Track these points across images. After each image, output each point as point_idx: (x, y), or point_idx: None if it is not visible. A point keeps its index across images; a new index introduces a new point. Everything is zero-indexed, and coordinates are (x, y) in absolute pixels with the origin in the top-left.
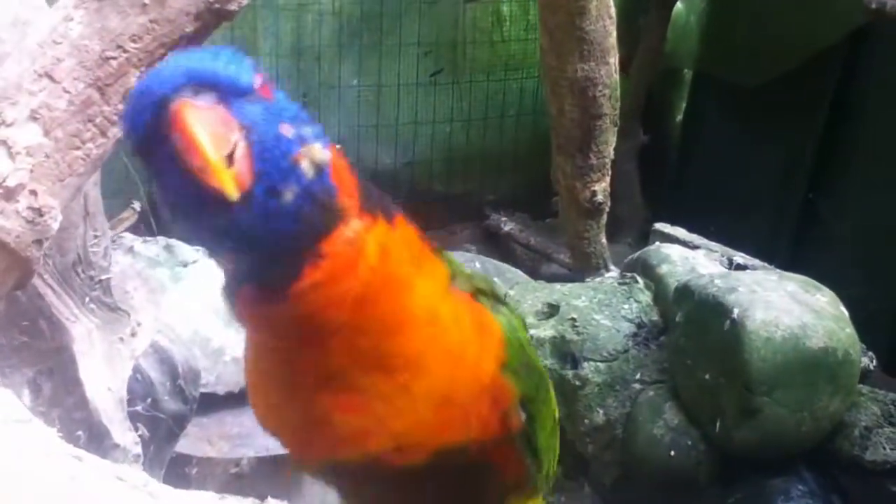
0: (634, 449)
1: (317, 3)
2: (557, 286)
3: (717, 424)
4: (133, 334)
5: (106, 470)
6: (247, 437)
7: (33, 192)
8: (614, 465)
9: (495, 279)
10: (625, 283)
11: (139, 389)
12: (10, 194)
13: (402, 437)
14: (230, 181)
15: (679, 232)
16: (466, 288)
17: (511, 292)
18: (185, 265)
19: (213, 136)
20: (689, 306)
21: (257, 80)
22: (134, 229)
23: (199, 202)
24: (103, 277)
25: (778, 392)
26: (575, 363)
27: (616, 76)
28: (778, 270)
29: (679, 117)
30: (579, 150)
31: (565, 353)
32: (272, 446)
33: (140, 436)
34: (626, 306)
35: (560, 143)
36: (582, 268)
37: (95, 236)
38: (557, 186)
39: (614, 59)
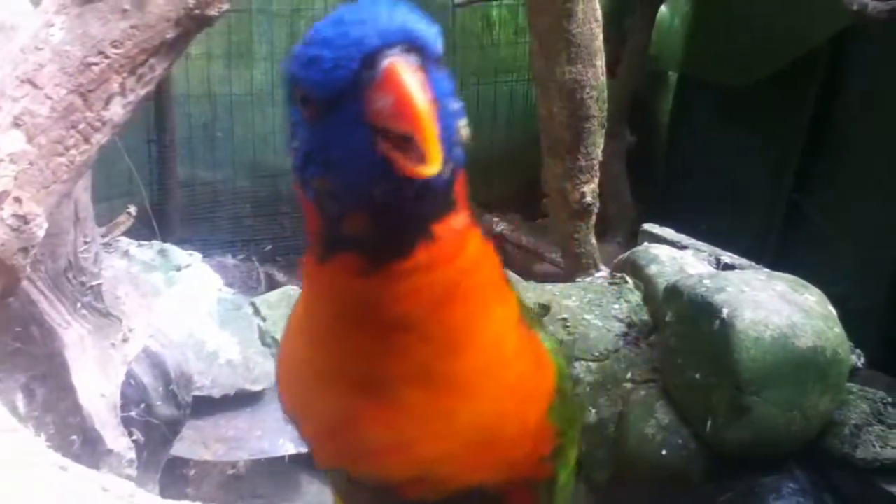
0: (626, 448)
1: (311, 8)
2: (548, 286)
3: (709, 423)
4: (125, 340)
5: (91, 480)
6: (242, 439)
7: (17, 200)
8: (607, 464)
9: None
10: (615, 283)
11: (132, 395)
12: None
13: (428, 467)
14: (439, 154)
15: (667, 232)
16: (528, 322)
17: None
18: (179, 269)
19: (427, 102)
20: (679, 306)
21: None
22: (136, 233)
23: (374, 169)
24: (94, 283)
25: (768, 391)
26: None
27: (603, 78)
28: (766, 270)
29: (666, 119)
30: (568, 152)
31: None
32: (268, 449)
33: (134, 441)
34: (616, 306)
35: (549, 145)
36: (572, 268)
37: (86, 242)
38: (547, 188)
39: (601, 62)
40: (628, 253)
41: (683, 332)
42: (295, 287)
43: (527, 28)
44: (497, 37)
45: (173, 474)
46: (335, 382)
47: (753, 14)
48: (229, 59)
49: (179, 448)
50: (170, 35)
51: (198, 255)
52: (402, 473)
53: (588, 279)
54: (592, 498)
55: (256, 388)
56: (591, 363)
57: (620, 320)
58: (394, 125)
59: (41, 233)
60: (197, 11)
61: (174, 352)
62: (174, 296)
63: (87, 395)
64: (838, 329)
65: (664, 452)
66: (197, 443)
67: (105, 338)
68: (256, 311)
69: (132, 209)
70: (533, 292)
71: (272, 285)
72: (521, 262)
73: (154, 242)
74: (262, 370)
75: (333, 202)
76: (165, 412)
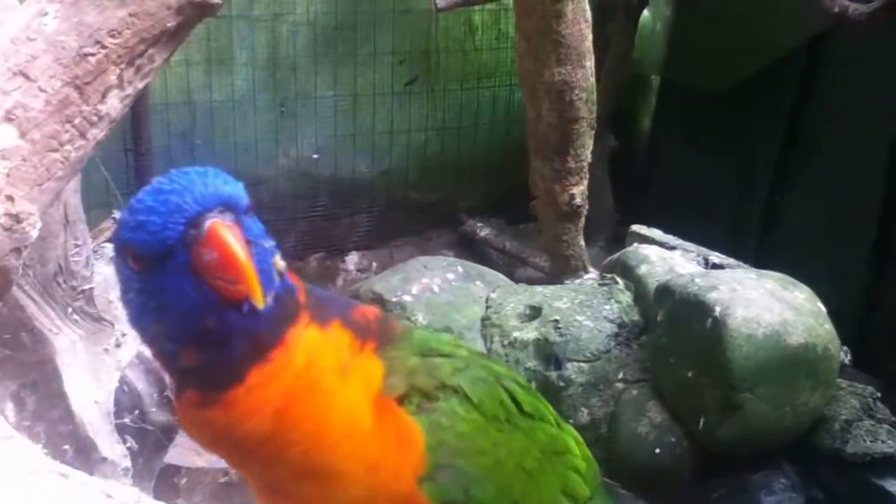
0: (619, 447)
1: (291, 13)
2: (539, 289)
3: (701, 421)
4: (118, 345)
5: (94, 487)
6: None
7: (10, 198)
8: (600, 464)
9: (477, 282)
10: (605, 284)
11: (126, 401)
12: None
13: None
14: (261, 293)
15: (655, 233)
16: (401, 388)
17: (493, 295)
18: None
19: (246, 254)
20: (671, 305)
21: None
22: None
23: (203, 307)
24: (86, 287)
25: (760, 388)
26: (558, 364)
27: (592, 80)
28: (755, 269)
29: (647, 122)
30: (557, 154)
31: (549, 354)
32: None
33: (128, 448)
34: (607, 307)
35: (538, 147)
36: (560, 270)
37: (76, 245)
38: (535, 190)
39: (590, 63)
40: (618, 254)
41: (675, 331)
42: None
43: (508, 33)
44: (479, 41)
45: (165, 483)
46: (253, 488)
47: (732, 19)
48: (209, 65)
49: (172, 455)
50: (170, 24)
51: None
52: None
53: (578, 281)
54: None
55: None
56: (582, 364)
57: (611, 321)
58: (221, 275)
59: (35, 232)
60: None
61: None
62: None
63: (80, 403)
64: (828, 326)
65: (657, 451)
66: (190, 450)
67: (97, 343)
68: None
69: (117, 214)
70: (523, 294)
71: None
72: (504, 267)
73: None
74: None
75: (168, 341)
76: (160, 418)
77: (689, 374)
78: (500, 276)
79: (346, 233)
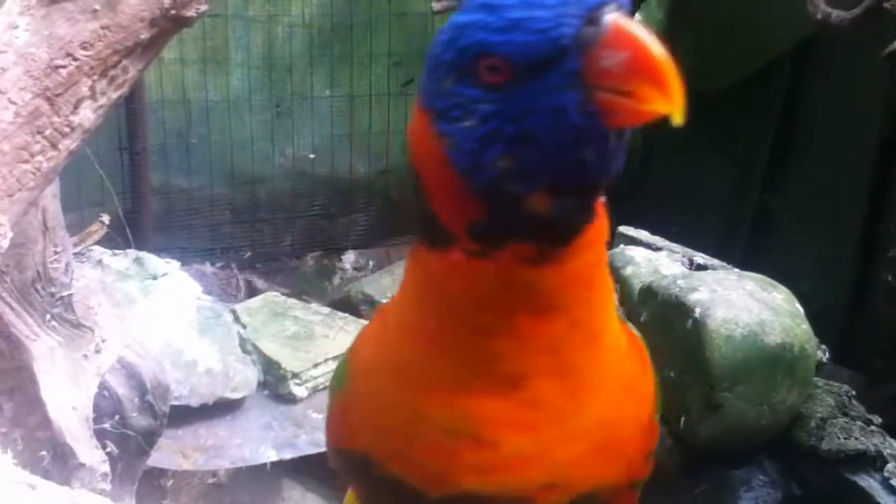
0: None
1: (287, 14)
2: None
3: (682, 420)
4: (98, 351)
5: (62, 497)
6: (222, 448)
7: None
8: None
9: None
10: None
11: (106, 406)
12: None
13: (562, 471)
14: (682, 100)
15: (642, 234)
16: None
17: None
18: (156, 278)
19: (667, 54)
20: (654, 306)
21: None
22: (110, 243)
23: (586, 132)
24: (65, 294)
25: (739, 387)
26: None
27: None
28: (737, 270)
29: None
30: None
31: None
32: (249, 457)
33: (108, 453)
34: None
35: None
36: None
37: (56, 252)
38: None
39: None
40: None
41: (658, 332)
42: (277, 294)
43: None
44: None
45: (150, 485)
46: (462, 389)
47: (723, 23)
48: (204, 64)
49: (157, 458)
50: (144, 36)
51: (175, 263)
52: (538, 481)
53: None
54: None
55: (236, 395)
56: None
57: None
58: (629, 80)
59: (5, 243)
60: (173, 12)
61: (150, 362)
62: (151, 305)
63: (58, 409)
64: (805, 326)
65: None
66: (175, 452)
67: (77, 349)
68: (237, 319)
69: (105, 217)
70: None
71: (252, 292)
72: None
73: (129, 251)
74: (241, 378)
75: (520, 181)
76: (141, 423)
77: (672, 373)
78: None
79: (344, 232)
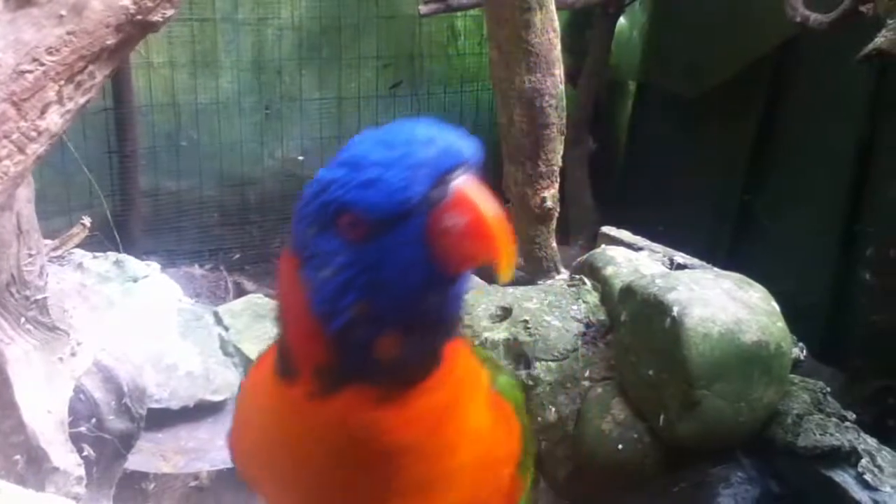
0: (584, 444)
1: (277, 17)
2: (510, 290)
3: (661, 418)
4: (73, 354)
5: (28, 500)
6: (202, 450)
7: None
8: (567, 460)
9: None
10: (574, 285)
11: (82, 410)
12: None
13: None
14: (511, 262)
15: (624, 234)
16: (489, 377)
17: (465, 296)
18: (136, 280)
19: (501, 217)
20: (633, 305)
21: None
22: (98, 246)
23: (429, 282)
24: (39, 297)
25: (717, 385)
26: (528, 363)
27: (561, 87)
28: (715, 269)
29: (625, 126)
30: (528, 159)
31: (518, 354)
32: (228, 459)
33: (85, 457)
34: (574, 307)
35: (510, 152)
36: (534, 271)
37: (30, 255)
38: (508, 194)
39: (559, 71)
40: (586, 255)
41: (637, 331)
42: (260, 295)
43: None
44: (462, 46)
45: (132, 488)
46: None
47: (705, 27)
48: (194, 67)
49: (137, 462)
50: (110, 41)
51: (156, 266)
52: None
53: (549, 282)
54: (552, 494)
55: (217, 398)
56: (550, 363)
57: (579, 321)
58: (463, 244)
59: None
60: (139, 17)
61: (127, 365)
62: (130, 307)
63: (32, 413)
64: (781, 324)
65: (620, 447)
66: (156, 456)
67: (52, 352)
68: (219, 321)
69: (86, 220)
70: (495, 296)
71: (240, 294)
72: (481, 268)
73: (109, 253)
74: (223, 380)
75: (371, 326)
76: (118, 426)
77: (650, 371)
78: (473, 276)
79: None
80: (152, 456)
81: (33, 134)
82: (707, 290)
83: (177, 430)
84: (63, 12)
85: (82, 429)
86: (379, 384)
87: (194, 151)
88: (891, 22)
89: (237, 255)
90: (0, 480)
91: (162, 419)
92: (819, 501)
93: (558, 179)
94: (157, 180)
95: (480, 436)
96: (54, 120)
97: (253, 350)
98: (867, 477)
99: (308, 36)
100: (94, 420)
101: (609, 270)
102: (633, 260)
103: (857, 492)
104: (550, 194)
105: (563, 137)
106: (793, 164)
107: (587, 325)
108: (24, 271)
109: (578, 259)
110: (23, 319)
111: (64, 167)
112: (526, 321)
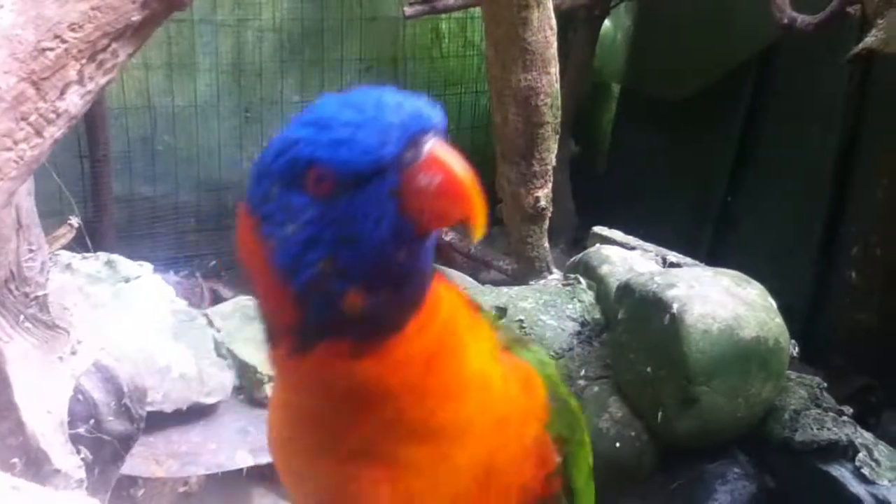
0: None
1: (257, 19)
2: (504, 289)
3: (659, 415)
4: (73, 353)
5: (47, 499)
6: (195, 454)
7: None
8: None
9: None
10: (569, 284)
11: (81, 411)
12: None
13: None
14: (484, 220)
15: (616, 234)
16: (504, 342)
17: None
18: (128, 281)
19: (472, 177)
20: (631, 303)
21: None
22: (70, 252)
23: (398, 238)
24: (39, 294)
25: (715, 381)
26: None
27: (557, 86)
28: (711, 267)
29: (608, 128)
30: (523, 158)
31: None
32: (224, 462)
33: (83, 459)
34: (570, 306)
35: (504, 151)
36: (526, 271)
37: (31, 250)
38: (501, 193)
39: (555, 70)
40: (581, 254)
41: (635, 328)
42: (250, 297)
43: (474, 41)
44: (446, 49)
45: (121, 495)
46: (327, 458)
47: (689, 32)
48: (170, 69)
49: (130, 465)
50: (135, 18)
51: (148, 266)
52: None
53: (542, 282)
54: None
55: (210, 400)
56: None
57: (574, 320)
58: (437, 203)
59: None
60: None
61: (126, 365)
62: (123, 308)
63: (31, 413)
64: (779, 320)
65: (618, 445)
66: (148, 459)
67: (51, 351)
68: (210, 323)
69: (73, 220)
70: (490, 296)
71: (217, 301)
72: (468, 271)
73: (100, 254)
74: (216, 382)
75: (337, 281)
76: (117, 428)
77: (648, 369)
78: (466, 277)
79: None
80: (145, 459)
81: (52, 116)
82: (706, 287)
83: (169, 434)
84: None
85: (81, 430)
86: (349, 338)
87: (170, 156)
88: (880, 22)
89: (213, 262)
90: (20, 480)
91: (155, 422)
92: (816, 496)
93: (552, 179)
94: (131, 185)
95: (487, 385)
96: (74, 101)
97: (246, 352)
98: (864, 471)
99: (289, 38)
100: (92, 421)
101: (604, 269)
102: (628, 259)
103: (854, 486)
104: (544, 194)
105: (557, 137)
106: (774, 166)
107: (582, 324)
108: (23, 267)
109: (573, 258)
110: (22, 317)
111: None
112: (521, 320)
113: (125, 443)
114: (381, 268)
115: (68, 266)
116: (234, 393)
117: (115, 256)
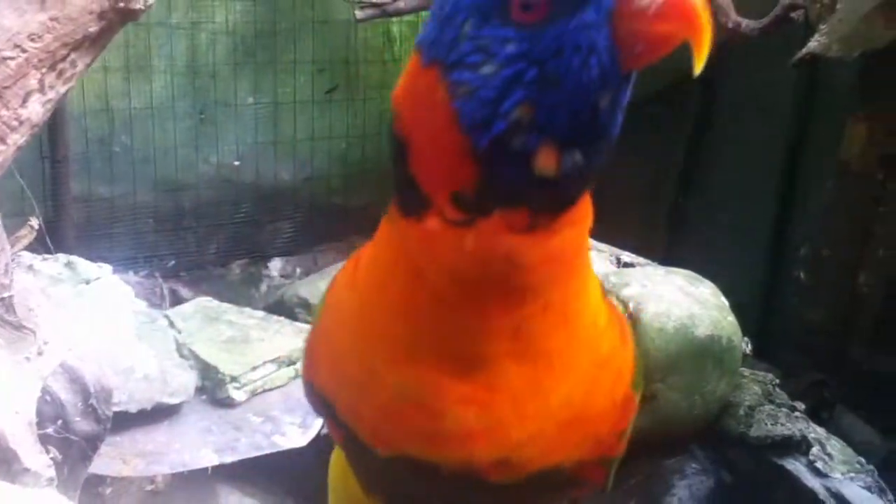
0: None
1: (210, 21)
2: None
3: None
4: (40, 353)
5: (22, 497)
6: (160, 453)
7: None
8: None
9: None
10: None
11: (48, 411)
12: None
13: (516, 450)
14: (709, 44)
15: None
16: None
17: None
18: (88, 282)
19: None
20: None
21: None
22: (31, 252)
23: (607, 76)
24: (5, 295)
25: (671, 378)
26: None
27: None
28: (662, 266)
29: None
30: None
31: None
32: (188, 461)
33: (52, 458)
34: None
35: None
36: None
37: None
38: None
39: None
40: None
41: None
42: (210, 298)
43: None
44: (398, 52)
45: (89, 493)
46: (418, 358)
47: None
48: (127, 72)
49: (97, 464)
50: (93, 28)
51: (108, 268)
52: (487, 457)
53: None
54: None
55: (174, 400)
56: None
57: None
58: (657, 24)
59: None
60: (121, 4)
61: (92, 365)
62: (85, 309)
63: (0, 413)
64: (731, 318)
65: None
66: (115, 458)
67: (18, 352)
68: (171, 324)
69: (34, 221)
70: None
71: (176, 301)
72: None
73: (60, 255)
74: (179, 382)
75: (531, 134)
76: (84, 427)
77: None
78: None
79: (270, 239)
80: (112, 459)
81: (14, 123)
82: (660, 286)
83: (134, 433)
84: None
85: (49, 430)
86: (530, 207)
87: (128, 157)
88: (822, 27)
89: (172, 262)
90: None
91: (120, 422)
92: (772, 490)
93: None
94: (89, 186)
95: (597, 322)
96: (36, 109)
97: (207, 352)
98: (818, 465)
99: (243, 40)
100: (60, 422)
101: None
102: None
103: (808, 479)
104: None
105: None
106: (725, 168)
107: None
108: None
109: None
110: None
111: None
112: None
113: (92, 442)
114: (581, 117)
115: (30, 267)
116: (196, 393)
117: (74, 258)
